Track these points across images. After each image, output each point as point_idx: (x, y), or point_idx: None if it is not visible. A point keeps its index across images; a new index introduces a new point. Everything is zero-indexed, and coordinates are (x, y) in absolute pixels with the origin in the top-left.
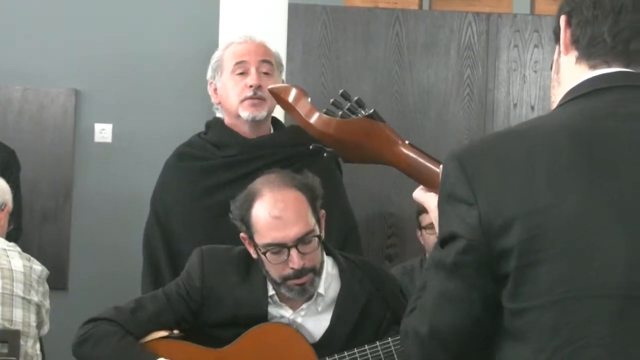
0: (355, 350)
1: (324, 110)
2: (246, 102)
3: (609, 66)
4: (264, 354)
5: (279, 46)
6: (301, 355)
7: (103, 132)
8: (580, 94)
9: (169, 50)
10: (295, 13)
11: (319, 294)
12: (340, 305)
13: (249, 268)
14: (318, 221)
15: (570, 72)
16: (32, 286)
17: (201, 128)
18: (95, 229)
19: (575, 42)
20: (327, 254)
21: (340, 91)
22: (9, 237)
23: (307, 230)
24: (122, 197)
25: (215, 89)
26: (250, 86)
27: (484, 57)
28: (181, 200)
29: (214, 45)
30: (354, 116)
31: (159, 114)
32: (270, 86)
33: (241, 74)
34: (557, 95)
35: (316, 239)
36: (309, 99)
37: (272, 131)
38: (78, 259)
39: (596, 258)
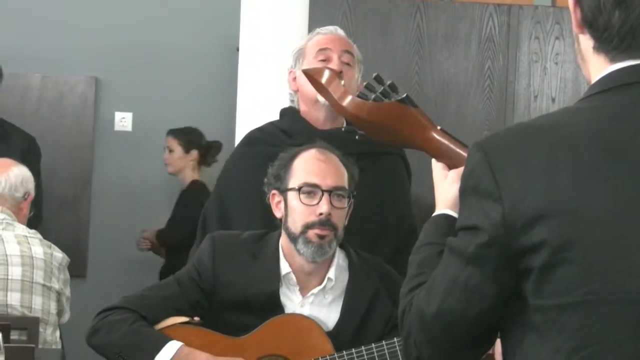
0: (373, 346)
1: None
2: None
3: (632, 58)
4: (281, 344)
5: (300, 37)
6: (319, 348)
7: (123, 120)
8: (604, 89)
9: (189, 40)
10: (316, 3)
11: (329, 279)
12: (349, 296)
13: (261, 249)
14: (349, 199)
15: (591, 57)
16: (53, 273)
17: (221, 117)
18: (114, 217)
19: (588, 26)
20: (340, 247)
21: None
22: (29, 224)
23: (344, 184)
24: (142, 185)
25: (295, 78)
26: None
27: (505, 48)
28: (245, 182)
29: (235, 35)
30: (386, 100)
31: (179, 103)
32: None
33: (323, 60)
34: (583, 68)
35: (346, 201)
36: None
37: (344, 125)
38: (97, 247)
39: (618, 262)
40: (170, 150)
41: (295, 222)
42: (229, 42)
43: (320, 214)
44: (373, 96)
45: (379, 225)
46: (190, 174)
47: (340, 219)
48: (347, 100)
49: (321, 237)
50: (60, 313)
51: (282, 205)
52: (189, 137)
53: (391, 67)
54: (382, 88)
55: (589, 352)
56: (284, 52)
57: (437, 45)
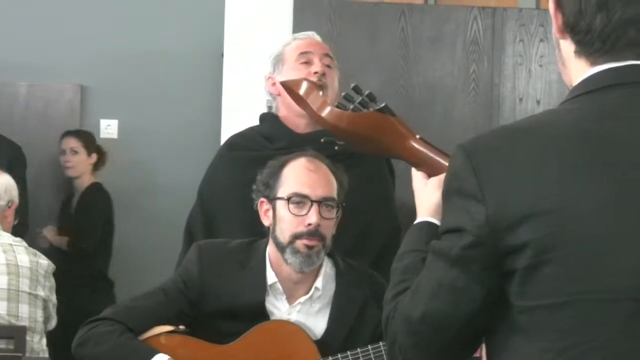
0: (359, 350)
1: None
2: None
3: (612, 60)
4: (267, 350)
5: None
6: (305, 353)
7: (109, 127)
8: (586, 91)
9: (174, 46)
10: (301, 7)
11: (316, 289)
12: (337, 306)
13: (248, 258)
14: (338, 209)
15: (572, 62)
16: (39, 281)
17: (207, 124)
18: None
19: (570, 31)
20: (328, 256)
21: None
22: (15, 233)
23: (333, 195)
24: (128, 192)
25: (274, 83)
26: (315, 72)
27: (490, 51)
28: (228, 188)
29: (220, 41)
30: (365, 110)
31: (165, 110)
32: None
33: (305, 63)
34: (563, 73)
35: (335, 211)
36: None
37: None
38: None
39: (606, 261)
40: (75, 152)
41: (284, 232)
42: (213, 48)
43: (309, 224)
44: (352, 106)
45: (363, 226)
46: (88, 178)
47: (329, 229)
48: (326, 111)
49: (309, 247)
50: (46, 320)
51: (270, 213)
52: (89, 140)
53: (377, 71)
54: (361, 98)
55: (578, 351)
56: (268, 57)
57: (422, 48)
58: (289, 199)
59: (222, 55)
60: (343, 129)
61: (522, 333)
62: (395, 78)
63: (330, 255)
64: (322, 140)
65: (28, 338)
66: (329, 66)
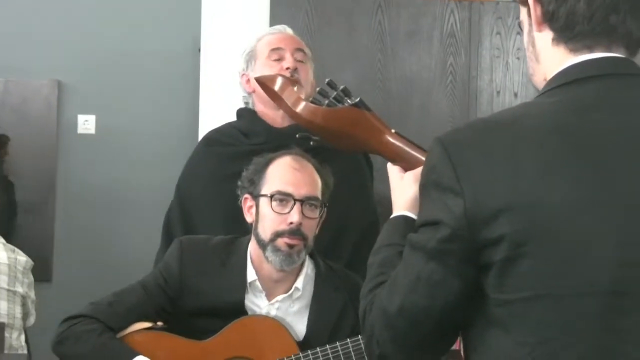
0: (338, 344)
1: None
2: None
3: (591, 50)
4: (247, 345)
5: None
6: (284, 348)
7: (86, 123)
8: (565, 82)
9: (151, 42)
10: (278, 2)
11: (296, 289)
12: (315, 311)
13: (229, 255)
14: (321, 208)
15: (549, 53)
16: (17, 278)
17: (184, 119)
18: (79, 221)
19: (548, 20)
20: (310, 256)
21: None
22: None
23: (317, 194)
24: (106, 188)
25: (248, 80)
26: (287, 68)
27: (467, 44)
28: (205, 183)
29: (197, 37)
30: (340, 105)
31: (142, 105)
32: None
33: (277, 59)
34: (536, 71)
35: (318, 211)
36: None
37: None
38: (62, 251)
39: (583, 254)
40: None
41: (266, 229)
42: (190, 43)
43: (291, 223)
44: (326, 101)
45: (340, 220)
46: None
47: (311, 229)
48: (300, 107)
49: (290, 246)
50: (25, 316)
51: (253, 210)
52: None
53: (354, 66)
54: (335, 93)
55: (555, 345)
56: (241, 53)
57: (399, 42)
58: (272, 197)
59: (199, 51)
60: (318, 124)
61: (499, 326)
62: (373, 72)
63: (311, 256)
64: (297, 135)
65: (7, 334)
66: (301, 61)
